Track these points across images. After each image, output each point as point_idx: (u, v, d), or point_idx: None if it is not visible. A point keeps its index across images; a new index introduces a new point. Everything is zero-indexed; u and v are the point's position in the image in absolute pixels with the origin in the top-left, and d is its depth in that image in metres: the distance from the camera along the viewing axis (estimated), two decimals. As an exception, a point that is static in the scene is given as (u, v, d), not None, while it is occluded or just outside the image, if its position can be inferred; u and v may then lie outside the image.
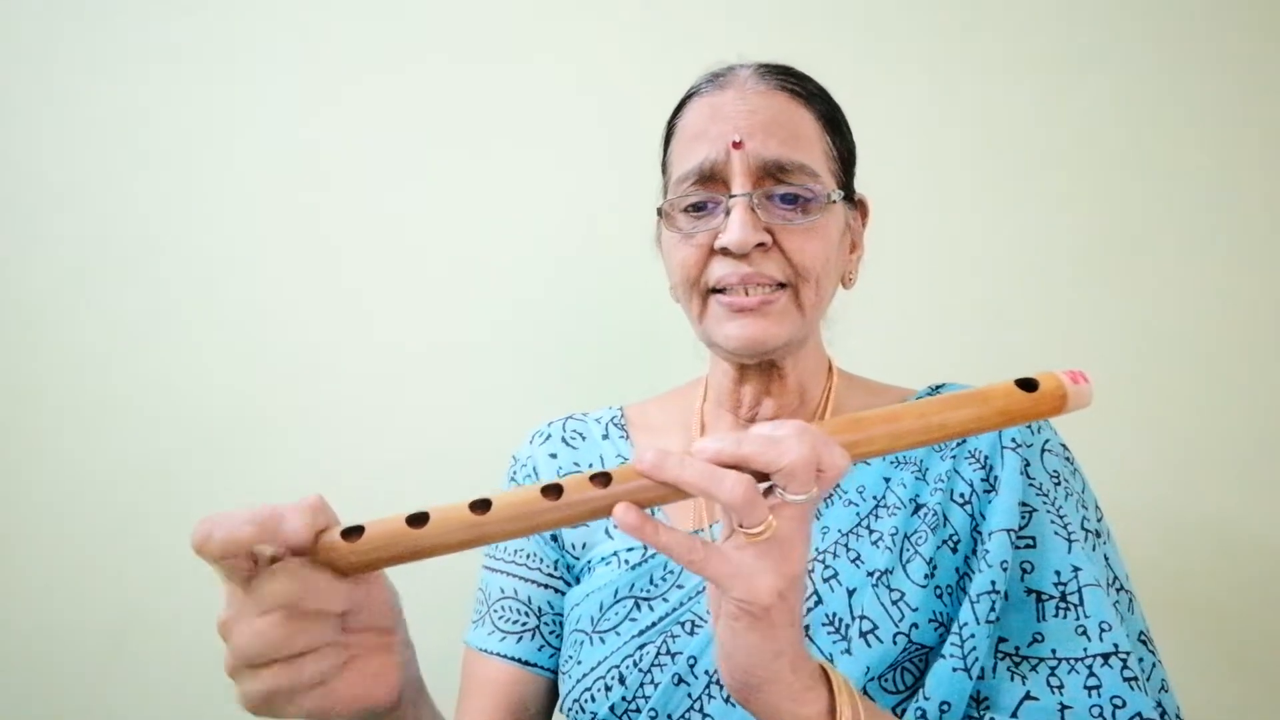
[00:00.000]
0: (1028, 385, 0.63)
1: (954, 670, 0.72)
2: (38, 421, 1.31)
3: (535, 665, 0.89)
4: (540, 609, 0.90)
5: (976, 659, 0.72)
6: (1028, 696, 0.72)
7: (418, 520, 0.54)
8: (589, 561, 0.89)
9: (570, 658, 0.84)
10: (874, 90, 1.29)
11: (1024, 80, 1.29)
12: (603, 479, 0.56)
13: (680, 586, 0.82)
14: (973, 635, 0.73)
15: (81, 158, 1.32)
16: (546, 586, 0.91)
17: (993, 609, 0.74)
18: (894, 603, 0.76)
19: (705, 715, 0.75)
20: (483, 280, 1.32)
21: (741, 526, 0.56)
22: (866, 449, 0.61)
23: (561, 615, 0.90)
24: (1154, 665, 0.76)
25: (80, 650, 1.30)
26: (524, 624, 0.90)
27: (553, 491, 0.55)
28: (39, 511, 1.31)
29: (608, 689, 0.79)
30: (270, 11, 1.33)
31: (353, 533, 0.54)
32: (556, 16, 1.33)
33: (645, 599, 0.83)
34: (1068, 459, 0.86)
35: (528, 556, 0.92)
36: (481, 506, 0.54)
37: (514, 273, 1.32)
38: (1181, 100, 1.27)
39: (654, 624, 0.80)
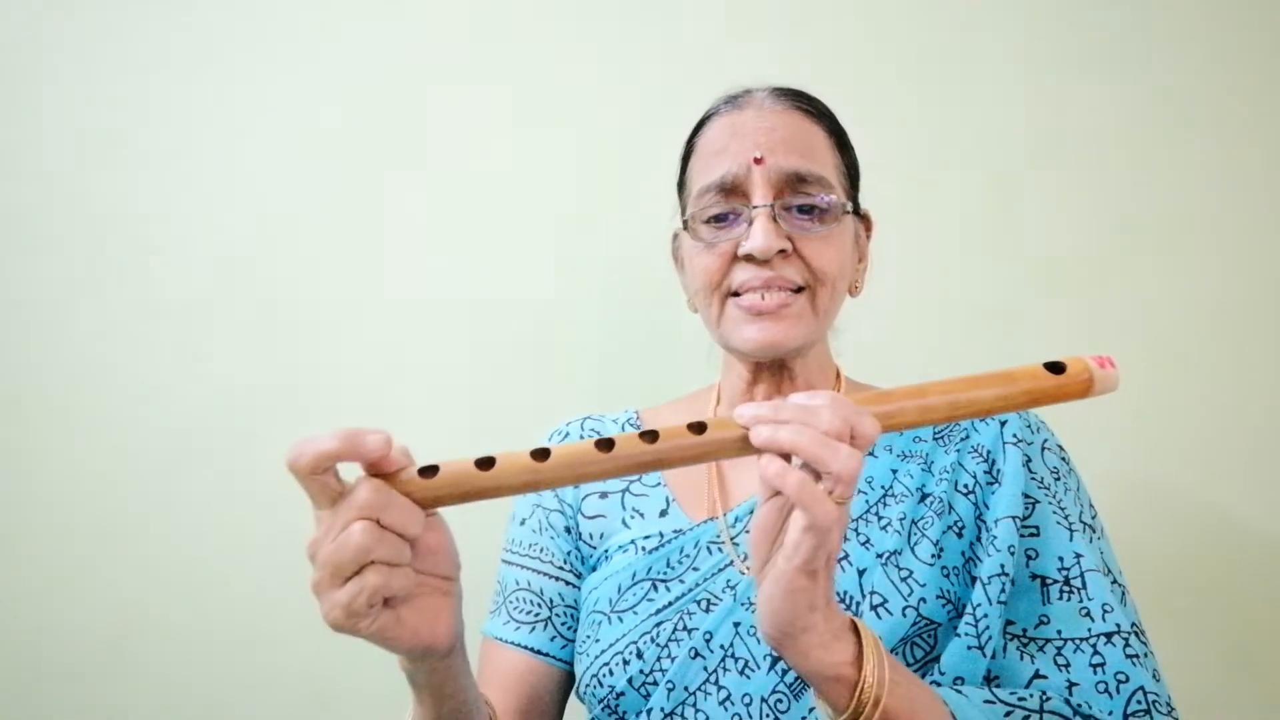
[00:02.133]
0: (1055, 368, 0.66)
1: (969, 648, 0.76)
2: (38, 421, 1.31)
3: (549, 655, 0.91)
4: (552, 600, 0.93)
5: (990, 638, 0.76)
6: (1037, 675, 0.76)
7: (485, 464, 0.58)
8: (606, 550, 0.92)
9: (588, 637, 0.86)
10: (877, 97, 1.32)
11: (1025, 82, 1.32)
12: (650, 436, 0.60)
13: (696, 569, 0.85)
14: (985, 615, 0.77)
15: (82, 157, 1.33)
16: (558, 579, 0.94)
17: (1003, 590, 0.78)
18: (903, 579, 0.79)
19: (721, 687, 0.78)
20: (499, 284, 1.33)
21: (833, 494, 0.58)
22: (896, 421, 0.63)
23: (573, 608, 0.93)
24: (1145, 655, 0.79)
25: (80, 650, 1.29)
26: (537, 614, 0.92)
27: (605, 445, 0.59)
28: (39, 511, 1.30)
29: (625, 663, 0.81)
30: (273, 9, 1.34)
31: (429, 471, 0.59)
32: (571, 17, 1.34)
33: (662, 580, 0.85)
34: (1064, 458, 0.90)
35: (540, 550, 0.95)
36: (541, 455, 0.59)
37: (531, 277, 1.33)
38: (1183, 99, 1.30)
39: (670, 603, 0.83)
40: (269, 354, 1.32)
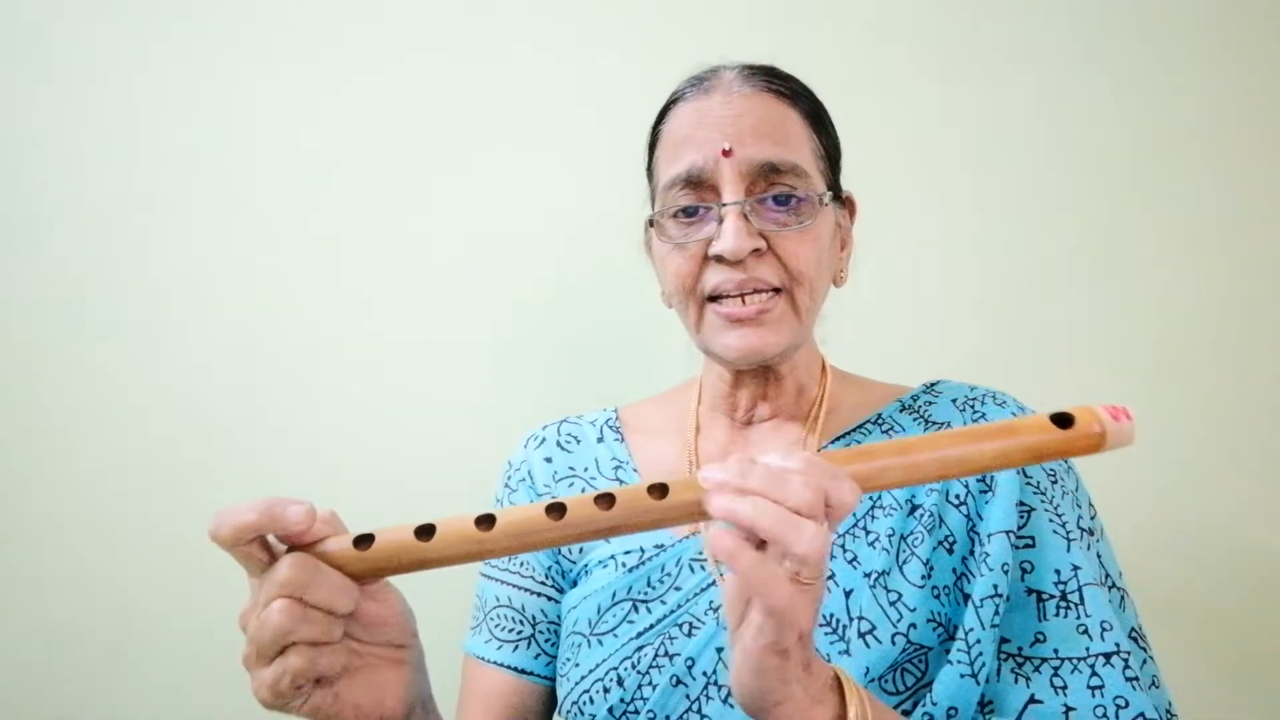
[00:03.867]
0: (1062, 421, 0.58)
1: (961, 676, 0.72)
2: (38, 422, 1.31)
3: (533, 674, 0.89)
4: (534, 618, 0.90)
5: (984, 664, 0.72)
6: (1032, 700, 0.72)
7: (425, 532, 0.55)
8: (586, 565, 0.89)
9: (568, 660, 0.84)
10: (873, 89, 1.29)
11: (1024, 79, 1.29)
12: (607, 500, 0.56)
13: (678, 589, 0.82)
14: (979, 641, 0.73)
15: (82, 158, 1.32)
16: (539, 595, 0.91)
17: (996, 613, 0.74)
18: (891, 604, 0.76)
19: (703, 716, 0.75)
20: (478, 280, 1.32)
21: (798, 576, 0.53)
22: (879, 481, 0.58)
23: (555, 623, 0.90)
24: (1145, 661, 0.76)
25: (80, 650, 1.30)
26: (520, 633, 0.89)
27: (556, 511, 0.56)
28: (39, 512, 1.31)
29: (606, 691, 0.78)
30: (269, 11, 1.33)
31: (364, 540, 0.55)
32: (557, 14, 1.32)
33: (643, 601, 0.82)
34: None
35: (521, 564, 0.92)
36: (486, 522, 0.55)
37: (510, 273, 1.32)
38: (1182, 100, 1.27)
39: (651, 626, 0.80)
40: (268, 355, 1.32)
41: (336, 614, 0.55)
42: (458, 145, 1.33)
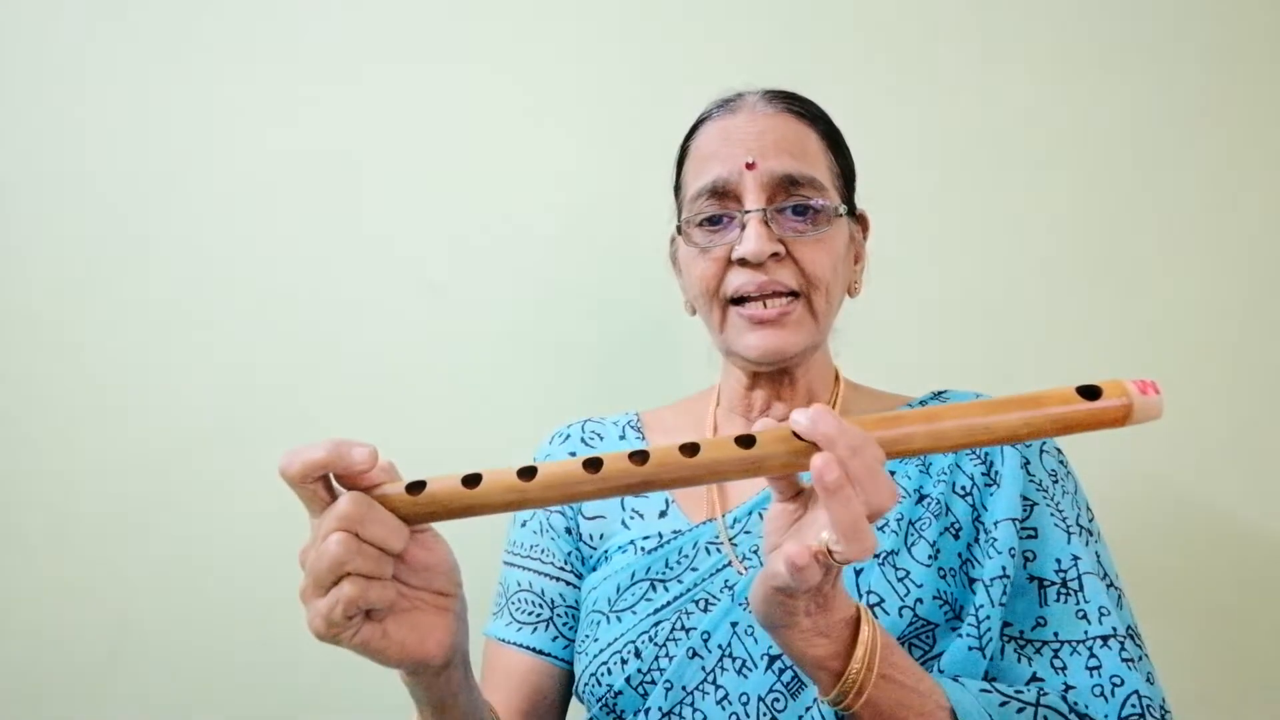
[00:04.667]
0: (1089, 393, 0.59)
1: (969, 649, 0.77)
2: (37, 424, 1.31)
3: (550, 655, 0.92)
4: (553, 601, 0.93)
5: (990, 639, 0.77)
6: (1034, 678, 0.77)
7: (472, 481, 0.59)
8: (606, 551, 0.92)
9: (587, 636, 0.87)
10: (878, 99, 1.33)
11: (1027, 86, 1.33)
12: (640, 457, 0.59)
13: (694, 569, 0.86)
14: (988, 617, 0.77)
15: (82, 158, 1.33)
16: (558, 580, 0.94)
17: (1004, 592, 0.78)
18: (899, 580, 0.80)
19: (718, 686, 0.79)
20: (499, 283, 1.33)
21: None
22: (904, 447, 0.59)
23: (574, 607, 0.94)
24: (1141, 658, 0.80)
25: (79, 653, 1.29)
26: (539, 615, 0.93)
27: (592, 465, 0.59)
28: (39, 513, 1.30)
29: (624, 662, 0.82)
30: (267, 13, 1.35)
31: (416, 486, 0.59)
32: (573, 14, 1.35)
33: (661, 580, 0.86)
34: (1062, 462, 0.91)
35: (541, 552, 0.95)
36: (528, 474, 0.59)
37: (531, 276, 1.34)
38: (1184, 101, 1.31)
39: (669, 603, 0.84)
40: (269, 355, 1.32)
41: (388, 551, 0.58)
42: (478, 143, 1.34)
